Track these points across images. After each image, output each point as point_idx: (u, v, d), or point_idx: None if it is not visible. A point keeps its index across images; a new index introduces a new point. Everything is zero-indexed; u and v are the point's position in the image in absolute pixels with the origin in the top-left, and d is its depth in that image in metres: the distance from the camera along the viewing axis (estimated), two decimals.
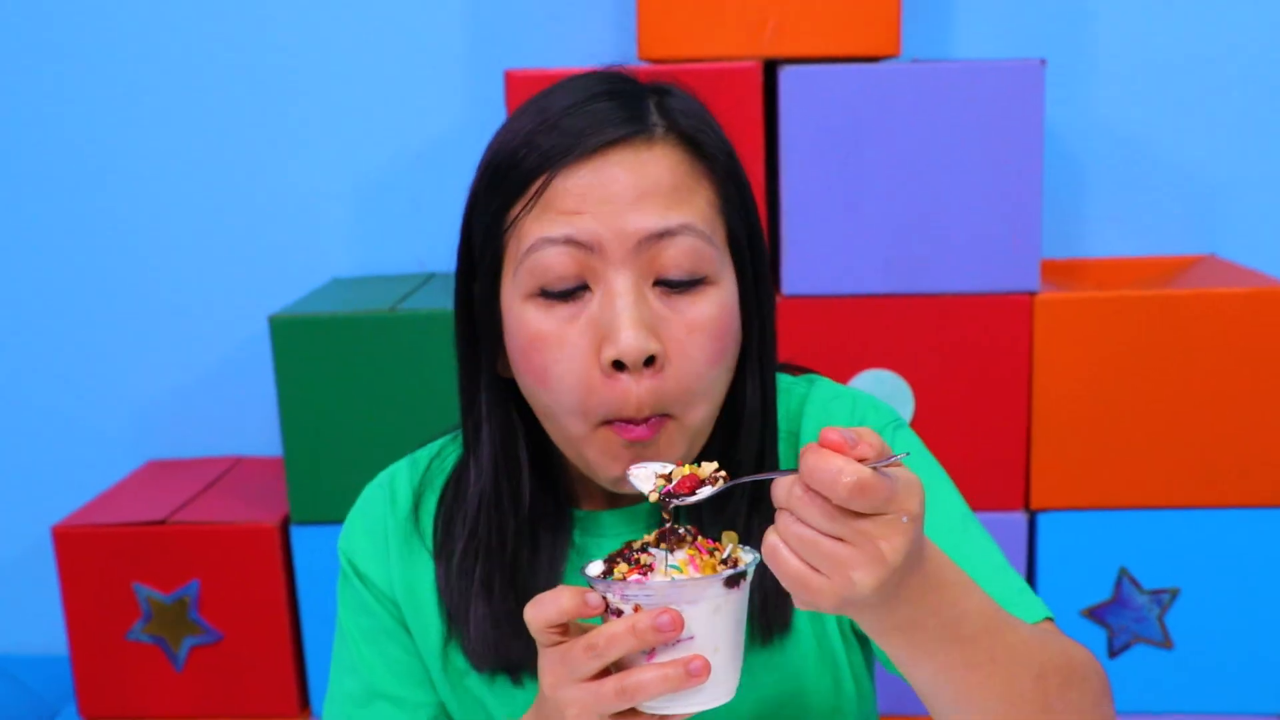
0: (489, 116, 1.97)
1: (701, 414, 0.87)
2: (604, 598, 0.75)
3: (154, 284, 2.08)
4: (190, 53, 2.01)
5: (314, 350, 1.70)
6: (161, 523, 1.77)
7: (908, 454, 0.74)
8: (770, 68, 1.67)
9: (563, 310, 0.85)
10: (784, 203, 1.64)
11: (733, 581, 0.74)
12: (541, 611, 0.75)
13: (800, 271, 1.65)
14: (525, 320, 0.85)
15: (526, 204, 0.84)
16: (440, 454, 1.01)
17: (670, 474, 0.79)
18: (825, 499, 0.67)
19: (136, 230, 2.07)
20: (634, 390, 0.83)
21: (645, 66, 1.64)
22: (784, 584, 0.70)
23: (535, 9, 1.97)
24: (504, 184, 0.86)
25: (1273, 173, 1.95)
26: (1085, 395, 1.66)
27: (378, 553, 0.99)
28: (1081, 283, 1.82)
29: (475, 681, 0.96)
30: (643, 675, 0.72)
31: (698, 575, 0.74)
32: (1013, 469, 1.68)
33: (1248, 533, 1.66)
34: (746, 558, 0.76)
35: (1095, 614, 1.70)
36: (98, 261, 2.09)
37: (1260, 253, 1.94)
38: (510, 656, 0.92)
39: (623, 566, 0.75)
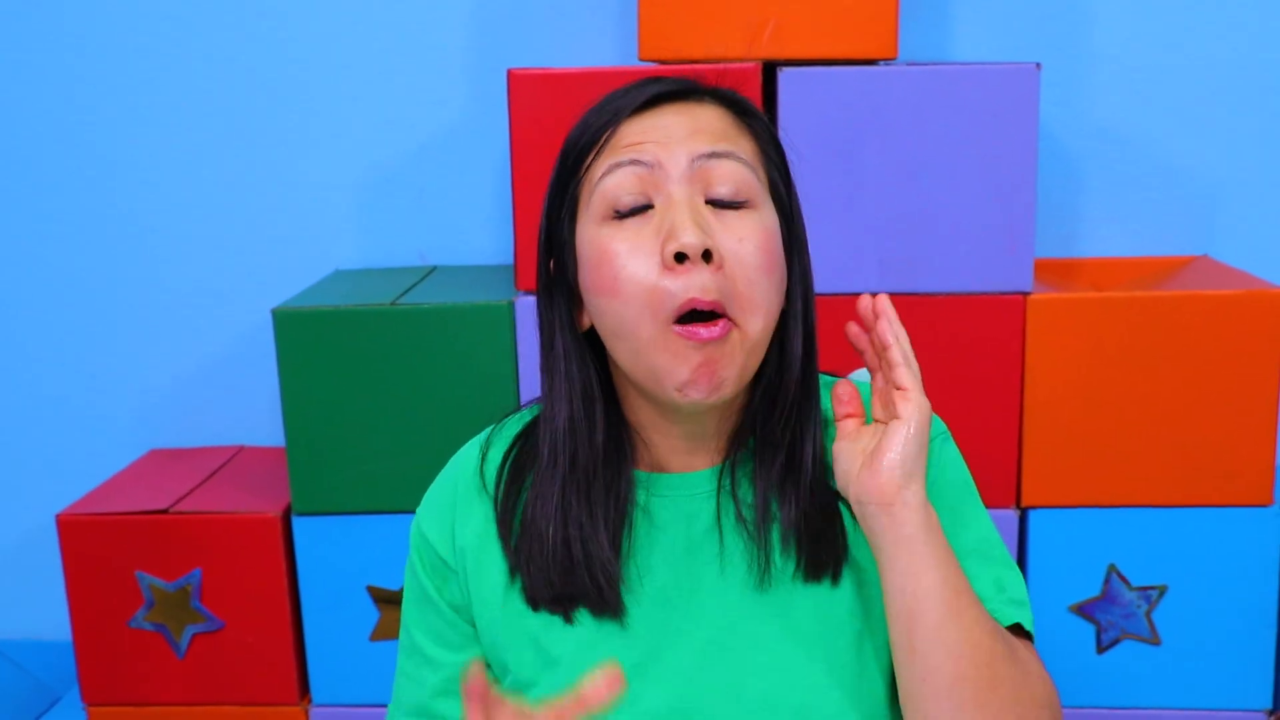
0: (492, 113, 1.98)
1: (759, 326, 0.94)
2: None
3: (158, 275, 2.09)
4: (195, 48, 2.02)
5: (316, 343, 1.71)
6: (164, 512, 1.79)
7: None
8: (769, 69, 1.68)
9: (630, 226, 0.94)
10: None
11: None
12: None
13: None
14: (599, 240, 0.95)
15: (596, 152, 0.96)
16: (505, 421, 1.10)
17: None
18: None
19: (141, 222, 2.08)
20: (697, 276, 0.91)
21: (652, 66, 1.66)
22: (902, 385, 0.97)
23: (538, 9, 1.98)
24: (576, 148, 0.98)
25: (1267, 174, 1.96)
26: (1077, 394, 1.67)
27: (442, 516, 1.07)
28: (1076, 282, 1.83)
29: (531, 621, 1.02)
30: None
31: None
32: (1004, 466, 1.69)
33: (1234, 531, 1.67)
34: None
35: (1084, 610, 1.72)
36: (103, 253, 2.09)
37: (1254, 254, 1.95)
38: (570, 589, 0.99)
39: None
